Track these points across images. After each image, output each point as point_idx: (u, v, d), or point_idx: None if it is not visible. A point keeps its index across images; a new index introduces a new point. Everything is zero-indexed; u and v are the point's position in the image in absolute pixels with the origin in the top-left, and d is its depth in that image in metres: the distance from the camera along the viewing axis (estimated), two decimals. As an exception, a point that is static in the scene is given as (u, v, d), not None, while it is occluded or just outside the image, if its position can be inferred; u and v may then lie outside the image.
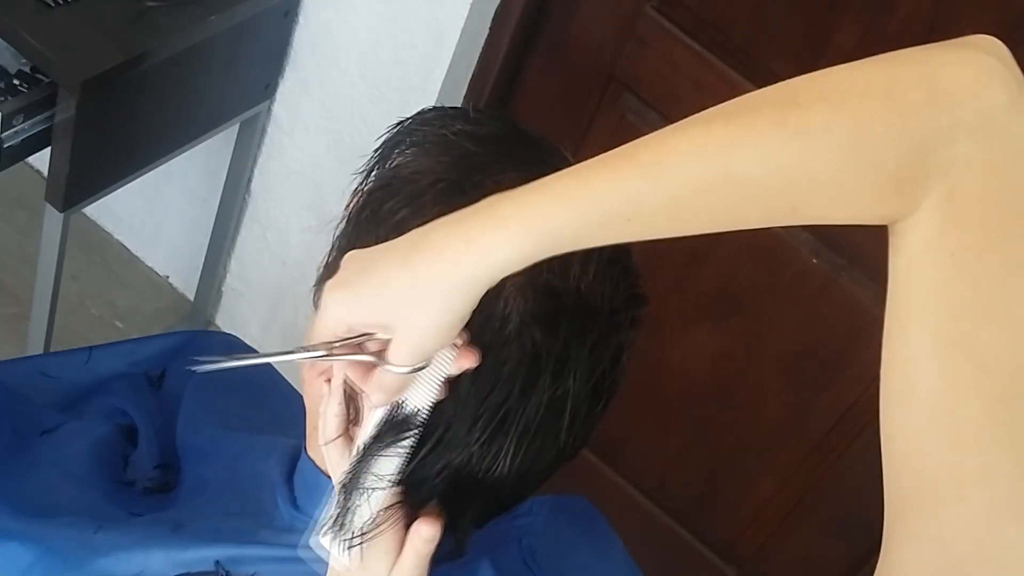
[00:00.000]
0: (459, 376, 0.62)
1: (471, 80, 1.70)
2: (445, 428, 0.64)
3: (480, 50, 1.66)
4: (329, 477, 0.74)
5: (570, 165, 0.69)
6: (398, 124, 0.71)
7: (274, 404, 1.01)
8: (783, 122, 0.51)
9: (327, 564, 0.69)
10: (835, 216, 0.53)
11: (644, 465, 1.91)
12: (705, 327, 1.71)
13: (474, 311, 0.60)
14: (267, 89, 1.79)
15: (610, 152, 0.54)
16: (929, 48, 0.53)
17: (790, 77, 0.54)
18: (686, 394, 1.80)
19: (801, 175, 0.51)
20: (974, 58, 0.51)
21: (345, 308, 0.58)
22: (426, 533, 0.65)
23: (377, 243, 0.64)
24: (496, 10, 1.62)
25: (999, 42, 0.54)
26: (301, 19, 1.72)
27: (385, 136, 0.71)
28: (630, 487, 1.93)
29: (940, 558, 0.51)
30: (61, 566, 0.76)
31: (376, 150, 0.71)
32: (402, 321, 0.57)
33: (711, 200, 0.52)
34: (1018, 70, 0.52)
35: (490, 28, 1.64)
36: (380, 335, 0.59)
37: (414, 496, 0.66)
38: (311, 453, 0.77)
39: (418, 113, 0.71)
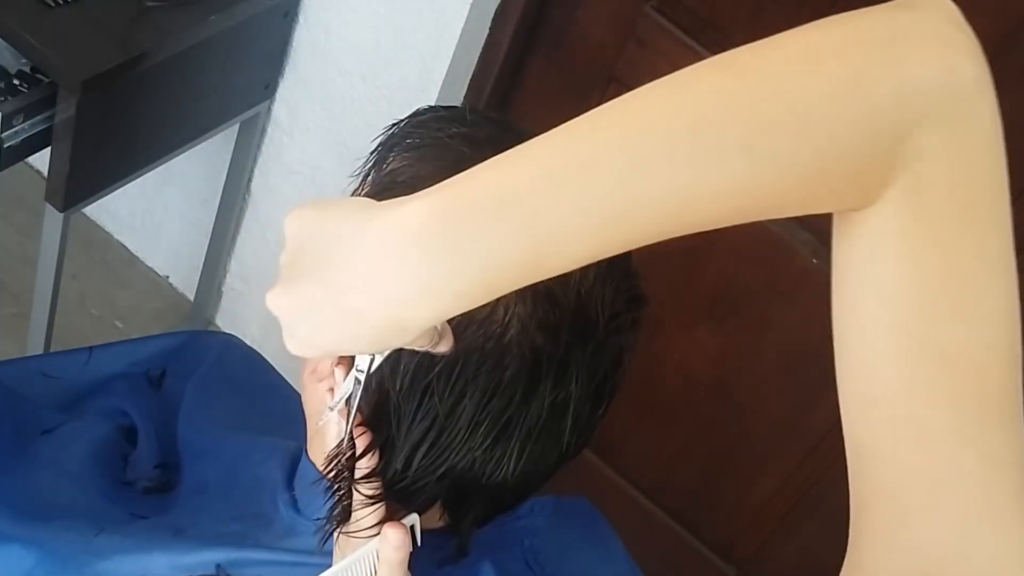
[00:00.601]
0: (463, 383, 0.62)
1: (471, 80, 1.70)
2: (439, 432, 0.64)
3: (480, 50, 1.66)
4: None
5: None
6: (392, 126, 0.71)
7: (275, 405, 1.01)
8: (750, 147, 0.46)
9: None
10: (793, 213, 0.50)
11: (644, 464, 1.91)
12: (705, 327, 1.71)
13: (474, 316, 0.60)
14: (267, 89, 1.79)
15: (567, 159, 0.49)
16: (885, 18, 0.48)
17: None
18: (686, 394, 1.80)
19: (769, 191, 0.48)
20: (940, 33, 0.48)
21: (326, 352, 0.56)
22: (393, 539, 0.63)
23: None
24: (496, 10, 1.62)
25: (949, 1, 0.50)
26: (301, 19, 1.72)
27: (380, 138, 0.70)
28: (630, 487, 1.93)
29: (909, 562, 0.49)
30: (61, 569, 0.76)
31: (372, 152, 0.70)
32: (386, 345, 0.54)
33: (678, 224, 0.48)
34: (970, 30, 0.49)
35: (490, 28, 1.64)
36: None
37: (415, 500, 0.66)
38: (312, 457, 0.77)
39: (412, 115, 0.71)
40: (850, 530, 0.53)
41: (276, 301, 0.56)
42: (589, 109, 0.52)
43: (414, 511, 0.66)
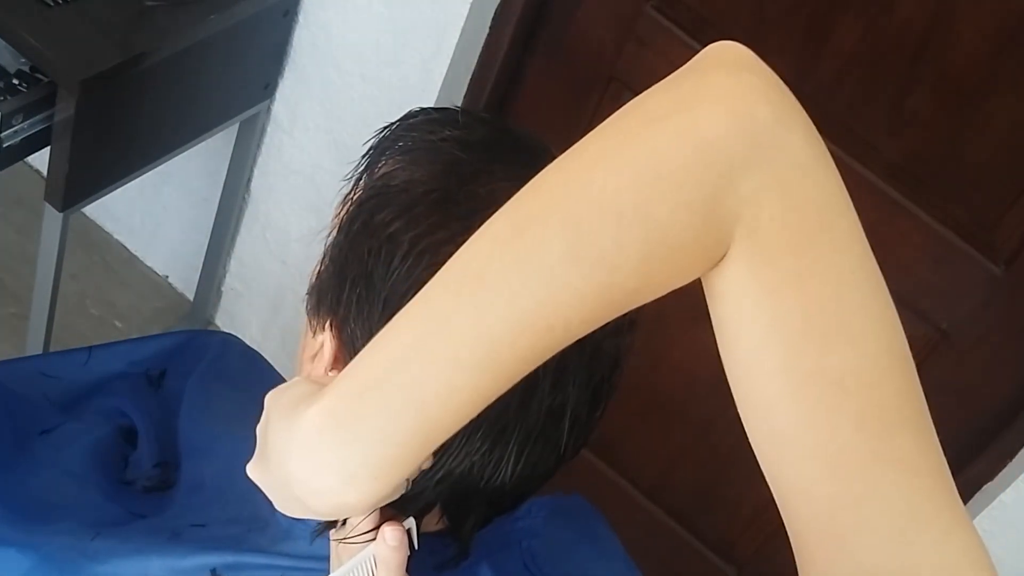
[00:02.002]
0: None
1: (471, 80, 1.70)
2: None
3: (480, 50, 1.66)
4: None
5: None
6: (384, 128, 0.70)
7: None
8: (577, 258, 0.48)
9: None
10: (654, 295, 0.51)
11: (644, 464, 1.91)
12: (706, 326, 1.69)
13: None
14: (267, 89, 1.79)
15: (417, 332, 0.51)
16: (669, 91, 0.50)
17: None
18: (687, 393, 1.80)
19: (616, 288, 0.49)
20: (723, 86, 0.49)
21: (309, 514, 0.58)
22: (391, 539, 0.64)
23: (369, 254, 0.64)
24: (496, 10, 1.62)
25: (733, 44, 0.51)
26: (301, 19, 1.72)
27: (372, 141, 0.70)
28: (630, 486, 1.93)
29: None
30: (58, 573, 0.76)
31: (364, 155, 0.70)
32: (360, 510, 0.56)
33: (541, 348, 0.50)
34: (763, 65, 0.50)
35: (490, 28, 1.64)
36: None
37: (415, 505, 0.66)
38: None
39: (404, 117, 0.71)
40: (796, 560, 0.53)
41: (251, 471, 0.61)
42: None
43: (411, 515, 0.66)
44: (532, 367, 0.50)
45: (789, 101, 0.50)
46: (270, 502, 0.78)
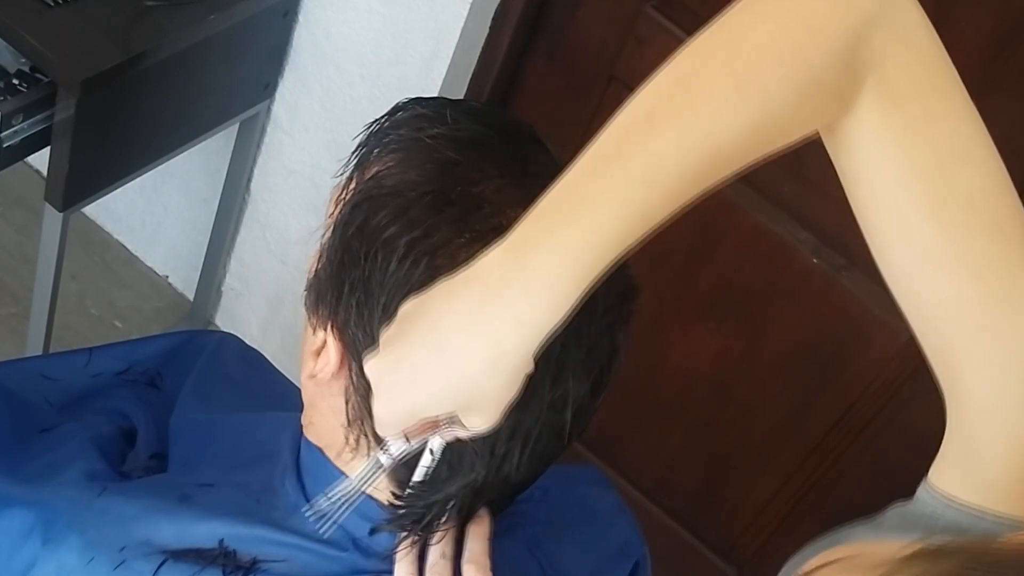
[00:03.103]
0: None
1: (471, 80, 1.70)
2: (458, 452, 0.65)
3: (480, 50, 1.66)
4: (332, 463, 0.75)
5: (550, 155, 0.70)
6: (372, 124, 0.70)
7: (273, 400, 1.01)
8: (743, 95, 0.55)
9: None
10: (796, 139, 0.58)
11: (644, 465, 1.91)
12: (705, 327, 1.70)
13: None
14: (267, 89, 1.79)
15: (588, 165, 0.56)
16: None
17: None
18: (686, 394, 1.80)
19: (770, 126, 0.56)
20: None
21: (417, 407, 0.59)
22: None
23: (366, 258, 0.64)
24: (496, 10, 1.62)
25: None
26: (301, 19, 1.72)
27: (360, 138, 0.70)
28: (630, 487, 1.93)
29: (1014, 369, 0.57)
30: (65, 528, 0.75)
31: (353, 152, 0.70)
32: (476, 402, 0.58)
33: (702, 175, 0.56)
34: None
35: (490, 28, 1.64)
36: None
37: (432, 511, 0.67)
38: (311, 437, 0.77)
39: (391, 112, 0.71)
40: (944, 382, 0.60)
41: (375, 365, 0.60)
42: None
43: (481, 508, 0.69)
44: (695, 191, 0.56)
45: None
46: (281, 477, 0.78)
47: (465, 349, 0.55)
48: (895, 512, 0.61)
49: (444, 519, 0.68)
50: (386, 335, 0.59)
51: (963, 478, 0.59)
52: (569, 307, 0.54)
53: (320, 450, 0.76)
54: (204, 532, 0.74)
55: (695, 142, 0.54)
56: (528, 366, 0.56)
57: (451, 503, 0.67)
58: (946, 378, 0.60)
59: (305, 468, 0.77)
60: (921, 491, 0.61)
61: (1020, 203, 0.58)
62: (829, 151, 0.60)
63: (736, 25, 0.57)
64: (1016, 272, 0.57)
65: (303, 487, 0.76)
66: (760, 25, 0.56)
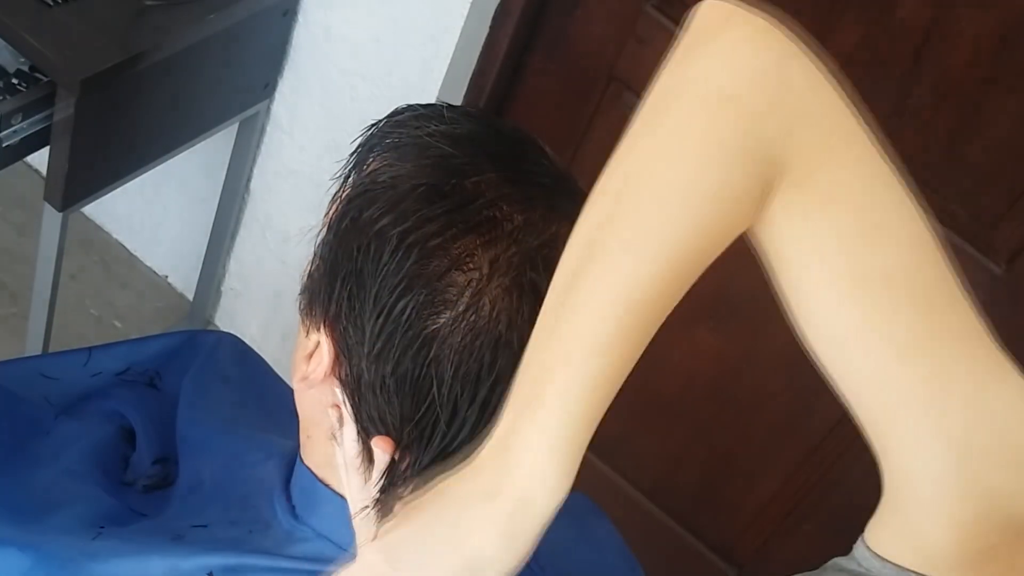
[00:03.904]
0: (459, 388, 0.63)
1: (471, 80, 1.69)
2: (443, 438, 0.64)
3: (480, 50, 1.66)
4: (326, 485, 0.74)
5: (545, 154, 0.70)
6: (372, 126, 0.71)
7: (270, 401, 1.00)
8: (638, 247, 0.54)
9: None
10: (724, 247, 0.57)
11: (644, 465, 1.91)
12: (705, 327, 1.70)
13: (462, 315, 0.62)
14: (266, 88, 1.79)
15: (540, 339, 0.55)
16: (678, 67, 0.55)
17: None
18: (686, 394, 1.80)
19: (700, 244, 0.55)
20: (720, 51, 0.54)
21: None
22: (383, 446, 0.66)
23: (358, 251, 0.64)
24: (496, 10, 1.62)
25: (719, 4, 0.56)
26: (300, 18, 1.72)
27: (359, 139, 0.70)
28: (630, 487, 1.93)
29: (942, 448, 0.55)
30: (58, 572, 0.76)
31: (351, 154, 0.70)
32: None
33: (651, 319, 0.56)
34: (745, 10, 0.56)
35: (490, 28, 1.64)
36: None
37: None
38: (307, 462, 0.77)
39: (391, 114, 0.71)
40: (877, 452, 0.59)
41: (378, 550, 0.57)
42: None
43: None
44: (648, 337, 0.56)
45: (778, 37, 0.55)
46: (271, 505, 0.78)
47: (474, 543, 0.54)
48: (833, 567, 0.61)
49: None
50: (383, 530, 0.58)
51: (902, 545, 0.58)
52: (572, 477, 0.55)
53: (312, 472, 0.76)
54: (193, 566, 0.74)
55: (635, 290, 0.54)
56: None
57: None
58: (879, 451, 0.58)
59: (296, 493, 0.78)
60: (859, 550, 0.60)
61: (946, 268, 0.56)
62: (752, 242, 0.59)
63: (634, 165, 0.55)
64: (942, 348, 0.55)
65: (294, 512, 0.77)
66: (667, 169, 0.54)
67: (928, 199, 1.65)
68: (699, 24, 0.56)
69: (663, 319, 0.55)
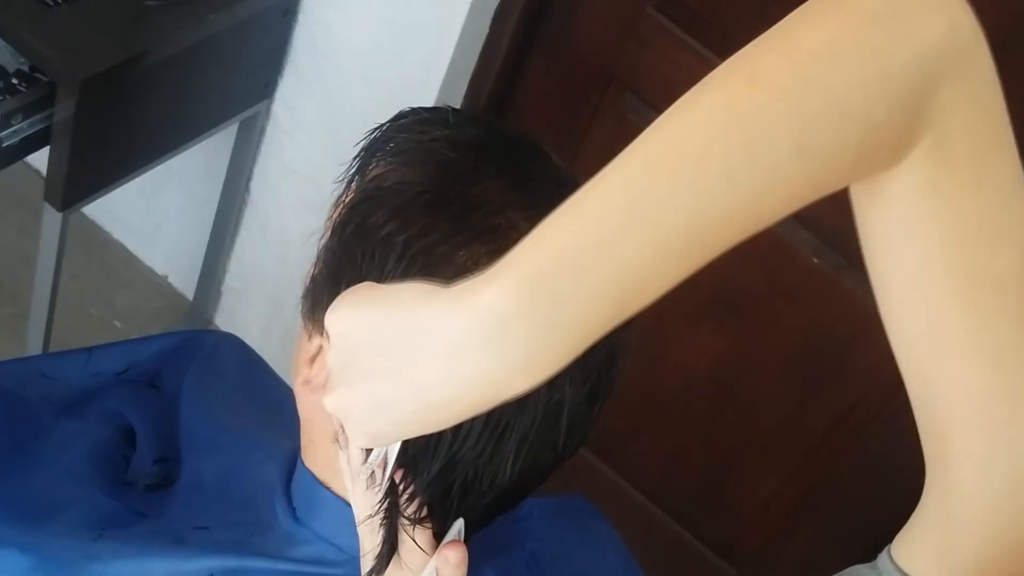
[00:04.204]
0: None
1: (471, 80, 1.69)
2: (449, 446, 0.64)
3: (480, 50, 1.66)
4: (327, 488, 0.74)
5: (550, 159, 0.69)
6: (374, 130, 0.70)
7: (270, 402, 1.00)
8: (800, 151, 0.49)
9: None
10: (834, 190, 0.52)
11: (644, 465, 1.91)
12: (705, 327, 1.70)
13: None
14: (266, 88, 1.79)
15: (621, 193, 0.49)
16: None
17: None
18: (686, 394, 1.80)
19: (821, 181, 0.51)
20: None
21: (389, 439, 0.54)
22: (454, 558, 0.63)
23: (363, 257, 0.64)
24: (496, 10, 1.62)
25: None
26: (301, 18, 1.72)
27: (363, 143, 0.70)
28: (630, 487, 1.93)
29: (1008, 468, 0.54)
30: (59, 573, 0.76)
31: (355, 157, 0.70)
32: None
33: (739, 238, 0.51)
34: None
35: (490, 28, 1.64)
36: None
37: (411, 508, 0.66)
38: (309, 464, 0.77)
39: (394, 118, 0.70)
40: (929, 467, 0.56)
41: (341, 403, 0.53)
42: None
43: (459, 517, 0.66)
44: (724, 250, 0.51)
45: (973, 13, 0.52)
46: (272, 507, 0.78)
47: (456, 399, 0.49)
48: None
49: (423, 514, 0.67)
50: (337, 361, 0.53)
51: (932, 562, 0.56)
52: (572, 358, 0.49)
53: (313, 475, 0.76)
54: (194, 568, 0.74)
55: (743, 204, 0.49)
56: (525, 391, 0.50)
57: (430, 495, 0.66)
58: (935, 458, 0.56)
59: (297, 496, 0.77)
60: (883, 562, 0.58)
61: None
62: (852, 196, 0.55)
63: (800, 64, 0.49)
64: None
65: (295, 514, 0.77)
66: (826, 72, 0.49)
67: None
68: None
69: (744, 238, 0.51)
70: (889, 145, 0.51)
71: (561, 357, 0.48)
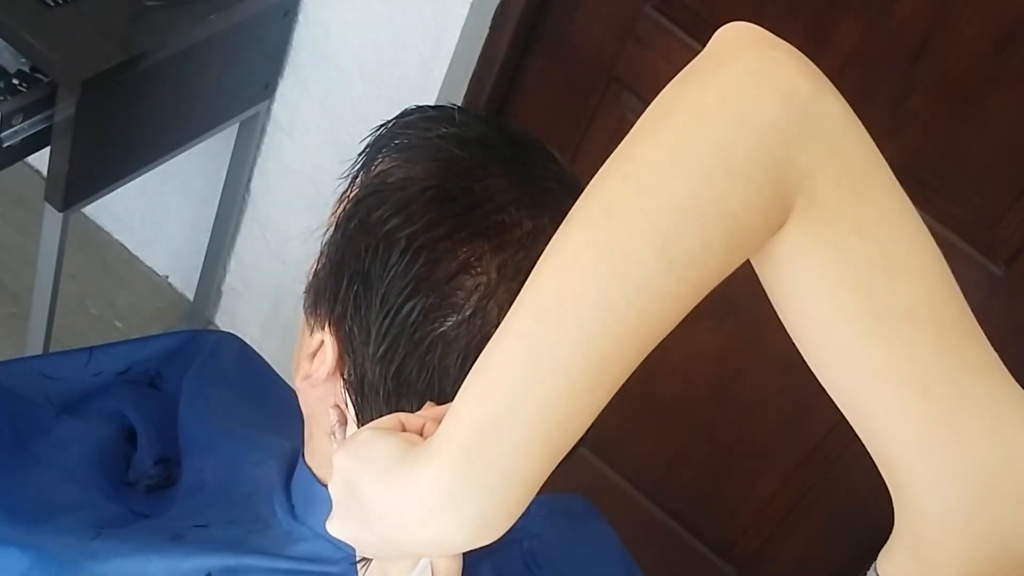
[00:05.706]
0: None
1: (471, 80, 1.70)
2: None
3: (480, 50, 1.66)
4: (325, 485, 0.74)
5: (554, 160, 0.69)
6: (380, 127, 0.71)
7: (270, 402, 1.00)
8: (671, 264, 0.50)
9: None
10: (728, 272, 0.54)
11: (644, 465, 1.91)
12: (705, 327, 1.70)
13: (468, 319, 0.62)
14: (267, 89, 1.79)
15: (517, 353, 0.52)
16: (706, 82, 0.52)
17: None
18: (686, 394, 1.80)
19: (702, 282, 0.53)
20: (760, 70, 0.51)
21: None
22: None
23: (367, 252, 0.64)
24: (496, 10, 1.62)
25: (744, 24, 0.54)
26: (301, 19, 1.72)
27: (368, 139, 0.70)
28: (630, 487, 1.93)
29: (961, 486, 0.54)
30: (57, 571, 0.76)
31: (360, 154, 0.70)
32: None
33: (640, 356, 0.54)
34: (777, 38, 0.53)
35: (490, 28, 1.64)
36: None
37: None
38: (309, 461, 0.77)
39: (400, 115, 0.71)
40: (891, 488, 0.57)
41: (339, 531, 0.59)
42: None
43: None
44: (633, 369, 0.53)
45: (813, 68, 0.53)
46: (271, 505, 0.78)
47: (424, 554, 0.56)
48: None
49: None
50: (338, 493, 0.58)
51: None
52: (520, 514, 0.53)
53: (312, 472, 0.76)
54: (192, 566, 0.75)
55: (630, 327, 0.51)
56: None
57: None
58: (893, 487, 0.57)
59: (296, 493, 0.78)
60: None
61: (964, 306, 0.55)
62: (753, 264, 0.56)
63: (644, 180, 0.50)
64: (963, 385, 0.54)
65: (293, 511, 0.77)
66: (670, 181, 0.50)
67: (928, 199, 1.66)
68: (726, 42, 0.54)
69: (646, 352, 0.54)
70: (759, 225, 0.51)
71: (513, 508, 0.52)
